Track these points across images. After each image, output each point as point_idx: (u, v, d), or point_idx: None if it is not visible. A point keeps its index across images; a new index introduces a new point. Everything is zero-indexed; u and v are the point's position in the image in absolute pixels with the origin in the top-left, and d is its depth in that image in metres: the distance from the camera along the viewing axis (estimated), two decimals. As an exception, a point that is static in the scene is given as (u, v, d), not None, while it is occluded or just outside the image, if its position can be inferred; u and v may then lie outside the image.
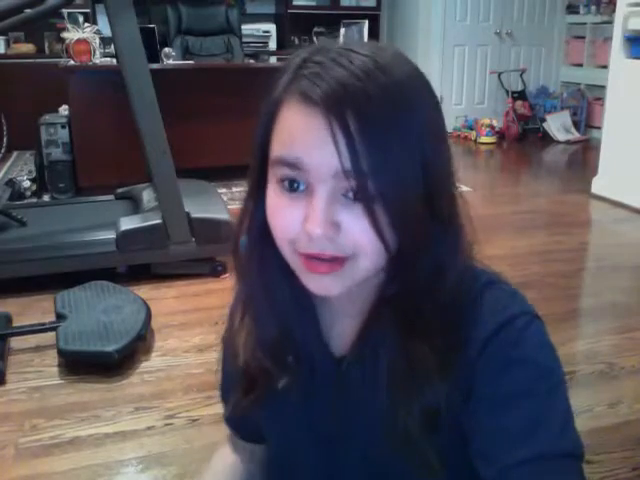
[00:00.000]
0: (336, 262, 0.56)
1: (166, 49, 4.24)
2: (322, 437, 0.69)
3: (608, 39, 4.61)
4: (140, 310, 2.21)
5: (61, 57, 4.05)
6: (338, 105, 0.52)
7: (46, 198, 3.87)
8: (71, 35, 3.65)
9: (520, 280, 2.39)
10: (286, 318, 0.66)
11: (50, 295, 2.39)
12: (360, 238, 0.55)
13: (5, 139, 4.90)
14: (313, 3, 6.14)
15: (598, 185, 4.09)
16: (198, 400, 1.88)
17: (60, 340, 2.03)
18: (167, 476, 1.59)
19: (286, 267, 0.61)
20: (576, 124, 6.03)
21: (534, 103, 6.15)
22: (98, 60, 3.79)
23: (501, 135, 5.99)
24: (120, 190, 3.34)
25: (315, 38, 6.18)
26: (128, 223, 2.71)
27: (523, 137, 5.98)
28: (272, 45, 6.05)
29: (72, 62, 3.72)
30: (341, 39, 5.03)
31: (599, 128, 5.33)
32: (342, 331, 0.66)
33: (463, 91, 6.17)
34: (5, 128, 4.84)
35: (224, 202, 3.11)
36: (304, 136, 0.54)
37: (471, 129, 5.96)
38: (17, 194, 3.81)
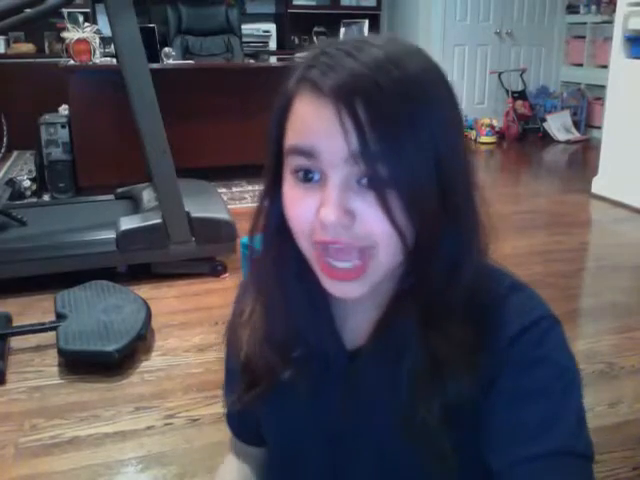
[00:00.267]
0: (356, 269, 0.56)
1: (166, 49, 4.24)
2: (329, 433, 0.68)
3: (608, 39, 4.61)
4: (140, 310, 2.21)
5: (61, 57, 4.05)
6: (347, 95, 0.52)
7: (46, 198, 3.87)
8: (71, 35, 3.65)
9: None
10: (299, 314, 0.66)
11: (50, 295, 2.39)
12: (375, 227, 0.54)
13: (5, 139, 4.90)
14: (313, 3, 6.14)
15: (598, 185, 4.09)
16: (198, 400, 1.88)
17: (60, 340, 2.03)
18: (167, 476, 1.59)
19: (302, 265, 0.61)
20: (576, 124, 6.04)
21: (534, 103, 6.15)
22: (98, 60, 3.79)
23: (501, 135, 6.00)
24: (120, 190, 3.35)
25: (315, 38, 6.18)
26: (128, 223, 2.71)
27: (523, 137, 5.98)
28: (272, 45, 6.05)
29: (72, 62, 3.72)
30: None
31: (599, 128, 5.33)
32: (356, 325, 0.66)
33: (463, 91, 6.16)
34: (5, 128, 4.84)
35: (224, 202, 3.11)
36: (316, 125, 0.54)
37: (471, 129, 5.96)
38: (17, 194, 3.82)
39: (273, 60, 5.44)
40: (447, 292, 0.59)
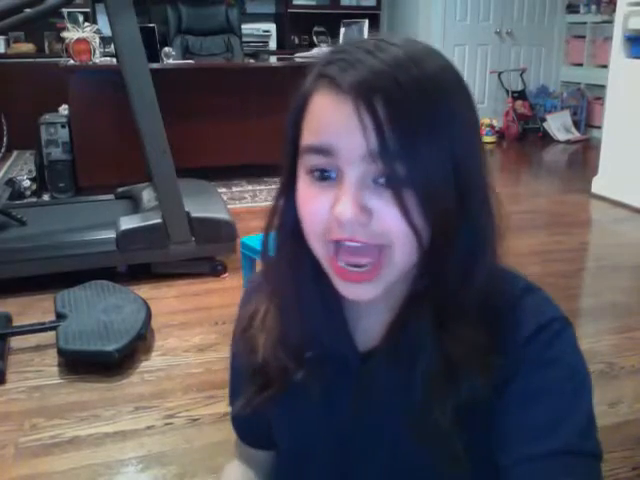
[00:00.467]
0: (370, 271, 0.56)
1: (166, 49, 4.24)
2: (341, 434, 0.68)
3: (608, 39, 4.62)
4: (140, 309, 2.21)
5: (61, 57, 4.05)
6: (367, 91, 0.52)
7: (46, 198, 3.87)
8: (71, 35, 3.65)
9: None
10: (313, 315, 0.65)
11: (50, 295, 2.39)
12: (392, 225, 0.54)
13: (5, 139, 4.91)
14: (313, 3, 6.14)
15: (598, 185, 4.09)
16: (198, 400, 1.88)
17: (60, 339, 2.03)
18: (167, 476, 1.59)
19: (315, 266, 0.61)
20: (576, 124, 6.03)
21: (534, 103, 6.15)
22: (98, 60, 3.79)
23: (501, 135, 6.00)
24: (120, 190, 3.35)
25: (315, 38, 6.19)
26: (128, 223, 2.72)
27: (523, 137, 5.98)
28: (272, 45, 6.06)
29: (72, 62, 3.72)
30: (341, 39, 5.04)
31: (599, 128, 5.33)
32: (369, 326, 0.66)
33: (463, 91, 6.16)
34: (5, 128, 4.84)
35: (224, 202, 3.11)
36: (334, 122, 0.54)
37: (471, 129, 5.96)
38: (17, 193, 3.82)
39: (273, 60, 5.45)
40: (461, 293, 0.58)
